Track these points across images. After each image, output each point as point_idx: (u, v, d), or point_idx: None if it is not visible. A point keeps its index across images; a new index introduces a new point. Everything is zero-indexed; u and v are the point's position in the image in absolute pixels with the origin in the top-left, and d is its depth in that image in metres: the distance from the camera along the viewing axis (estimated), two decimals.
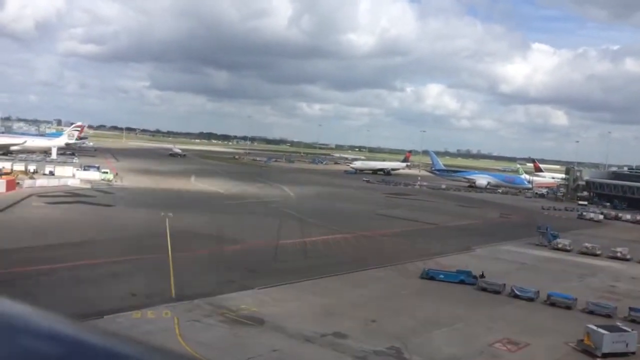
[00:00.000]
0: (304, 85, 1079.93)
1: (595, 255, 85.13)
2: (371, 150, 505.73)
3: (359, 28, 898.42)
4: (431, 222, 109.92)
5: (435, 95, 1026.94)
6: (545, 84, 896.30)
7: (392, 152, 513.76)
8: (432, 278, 61.92)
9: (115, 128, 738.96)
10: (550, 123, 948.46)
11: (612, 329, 44.22)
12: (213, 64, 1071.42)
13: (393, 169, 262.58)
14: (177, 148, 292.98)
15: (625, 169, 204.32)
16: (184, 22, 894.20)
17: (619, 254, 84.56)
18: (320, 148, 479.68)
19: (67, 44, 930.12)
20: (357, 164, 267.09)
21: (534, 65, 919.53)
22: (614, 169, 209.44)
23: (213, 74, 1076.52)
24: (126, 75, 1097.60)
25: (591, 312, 52.80)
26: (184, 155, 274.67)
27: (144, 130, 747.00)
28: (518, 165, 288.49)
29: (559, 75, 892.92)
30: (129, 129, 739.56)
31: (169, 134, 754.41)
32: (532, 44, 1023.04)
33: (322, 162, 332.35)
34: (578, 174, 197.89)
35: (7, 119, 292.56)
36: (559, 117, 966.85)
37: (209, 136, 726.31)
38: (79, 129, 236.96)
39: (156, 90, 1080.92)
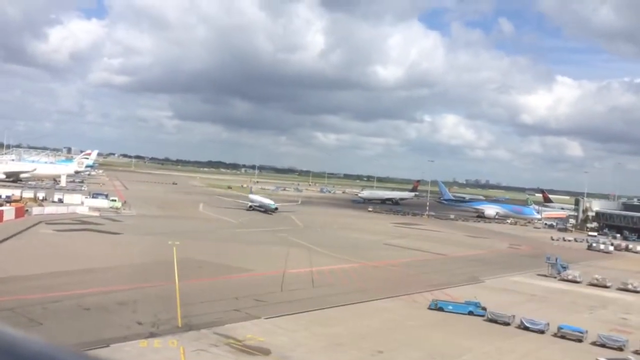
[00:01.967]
0: (325, 115, 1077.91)
1: (606, 287, 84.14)
2: (380, 179, 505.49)
3: (387, 61, 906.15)
4: (440, 252, 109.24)
5: (452, 126, 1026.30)
6: (567, 115, 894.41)
7: (401, 182, 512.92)
8: (440, 309, 61.33)
9: (125, 156, 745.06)
10: (566, 154, 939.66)
11: None
12: (240, 95, 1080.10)
13: (401, 199, 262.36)
14: (260, 196, 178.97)
15: (636, 200, 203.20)
16: (214, 54, 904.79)
17: (630, 286, 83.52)
18: (329, 177, 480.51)
19: (97, 74, 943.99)
20: (365, 193, 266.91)
21: (556, 97, 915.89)
22: (624, 199, 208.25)
23: (238, 105, 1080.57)
24: (151, 106, 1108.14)
25: (602, 345, 52.00)
26: (276, 208, 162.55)
27: (152, 159, 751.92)
28: (527, 196, 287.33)
29: (579, 108, 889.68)
30: (138, 157, 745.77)
31: (178, 162, 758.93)
32: (555, 76, 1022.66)
33: (329, 192, 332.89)
34: (588, 204, 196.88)
35: (18, 146, 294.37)
36: (574, 149, 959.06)
37: (217, 165, 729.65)
38: (88, 156, 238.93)
39: (177, 120, 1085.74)
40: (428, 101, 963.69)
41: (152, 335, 44.55)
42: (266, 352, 43.31)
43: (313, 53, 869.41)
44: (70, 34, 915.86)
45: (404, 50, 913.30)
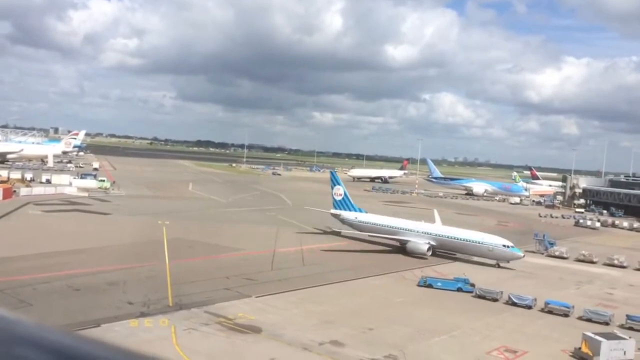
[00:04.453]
0: (328, 95, 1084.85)
1: (592, 262, 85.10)
2: (369, 158, 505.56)
3: (399, 42, 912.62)
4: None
5: (450, 105, 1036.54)
6: (569, 94, 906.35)
7: (390, 160, 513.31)
8: (429, 286, 61.89)
9: (113, 136, 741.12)
10: (562, 132, 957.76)
11: (610, 336, 44.16)
12: (249, 75, 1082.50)
13: (391, 177, 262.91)
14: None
15: (622, 176, 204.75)
16: (228, 35, 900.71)
17: (616, 262, 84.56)
18: (318, 156, 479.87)
19: (108, 55, 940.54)
20: (355, 172, 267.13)
21: (560, 76, 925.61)
22: (610, 176, 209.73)
23: (245, 85, 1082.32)
24: (156, 87, 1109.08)
25: (589, 320, 52.76)
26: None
27: (141, 138, 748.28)
28: (515, 173, 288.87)
29: (582, 86, 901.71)
30: (127, 137, 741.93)
31: (167, 141, 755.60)
32: (560, 55, 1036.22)
33: (319, 170, 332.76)
34: (575, 181, 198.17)
35: (4, 126, 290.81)
36: (570, 127, 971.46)
37: (206, 144, 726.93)
38: (75, 137, 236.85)
39: (179, 101, 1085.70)
40: (433, 81, 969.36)
41: (143, 314, 44.73)
42: (257, 330, 43.59)
43: (326, 35, 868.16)
44: (76, 14, 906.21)
45: (417, 30, 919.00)
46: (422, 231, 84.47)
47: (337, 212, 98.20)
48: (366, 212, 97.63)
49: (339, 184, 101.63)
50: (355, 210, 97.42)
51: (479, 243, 77.80)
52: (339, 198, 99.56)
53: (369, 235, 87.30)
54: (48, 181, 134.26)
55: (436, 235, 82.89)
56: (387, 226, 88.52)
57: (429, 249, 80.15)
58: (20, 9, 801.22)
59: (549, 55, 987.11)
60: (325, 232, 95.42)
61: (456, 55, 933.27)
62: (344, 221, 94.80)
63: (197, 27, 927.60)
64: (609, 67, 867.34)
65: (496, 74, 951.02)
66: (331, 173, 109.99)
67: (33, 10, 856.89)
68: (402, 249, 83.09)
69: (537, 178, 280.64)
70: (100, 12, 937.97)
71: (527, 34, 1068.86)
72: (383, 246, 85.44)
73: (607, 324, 51.86)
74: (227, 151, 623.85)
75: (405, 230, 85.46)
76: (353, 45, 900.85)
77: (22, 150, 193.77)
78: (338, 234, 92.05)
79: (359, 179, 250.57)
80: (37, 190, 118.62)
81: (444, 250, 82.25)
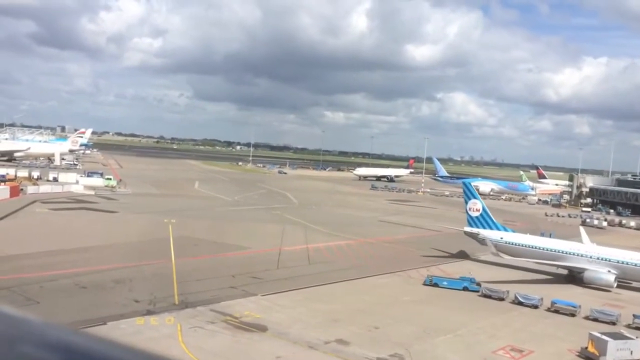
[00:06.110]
0: (343, 95, 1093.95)
1: None
2: (376, 156, 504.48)
3: (421, 42, 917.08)
4: (434, 229, 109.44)
5: (462, 104, 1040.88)
6: (585, 93, 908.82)
7: (397, 159, 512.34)
8: (435, 285, 61.80)
9: (119, 134, 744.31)
10: (573, 132, 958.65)
11: (616, 336, 43.98)
12: (267, 75, 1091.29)
13: (397, 176, 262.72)
14: None
15: (629, 175, 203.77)
16: (249, 35, 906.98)
17: None
18: (324, 154, 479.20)
19: (129, 55, 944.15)
20: (361, 171, 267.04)
21: (577, 76, 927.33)
22: (617, 175, 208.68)
23: (262, 84, 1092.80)
24: (171, 87, 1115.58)
25: (595, 320, 52.55)
26: None
27: (148, 137, 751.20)
28: (522, 172, 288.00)
29: (599, 86, 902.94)
30: (133, 135, 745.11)
31: (174, 140, 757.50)
32: (580, 56, 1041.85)
33: (325, 169, 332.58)
34: (582, 180, 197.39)
35: (12, 125, 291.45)
36: (582, 126, 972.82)
37: (212, 143, 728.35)
38: (82, 135, 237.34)
39: (195, 100, 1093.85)
40: (451, 80, 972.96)
41: (149, 312, 44.87)
42: (263, 328, 43.65)
43: (349, 37, 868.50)
44: (98, 15, 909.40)
45: (438, 31, 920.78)
46: (597, 256, 68.80)
47: (474, 230, 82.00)
48: (514, 231, 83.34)
49: (475, 198, 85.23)
50: (498, 229, 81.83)
51: None
52: (475, 214, 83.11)
53: (535, 262, 71.51)
54: (55, 179, 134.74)
55: (619, 262, 67.09)
56: (547, 249, 73.40)
57: (615, 280, 65.46)
58: (34, 9, 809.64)
59: (567, 55, 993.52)
60: (451, 255, 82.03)
61: (476, 55, 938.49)
62: (483, 241, 78.28)
63: (220, 27, 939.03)
64: (627, 67, 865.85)
65: (514, 74, 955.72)
66: (464, 184, 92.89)
67: (45, 10, 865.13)
68: (570, 278, 70.01)
69: (544, 177, 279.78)
70: (122, 12, 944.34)
71: (547, 33, 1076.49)
72: (538, 273, 72.58)
73: (613, 323, 51.63)
74: (233, 150, 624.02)
75: (575, 255, 70.44)
76: (374, 46, 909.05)
77: (29, 148, 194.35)
78: (466, 256, 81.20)
79: (364, 177, 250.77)
80: (44, 188, 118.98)
81: (625, 281, 67.16)
